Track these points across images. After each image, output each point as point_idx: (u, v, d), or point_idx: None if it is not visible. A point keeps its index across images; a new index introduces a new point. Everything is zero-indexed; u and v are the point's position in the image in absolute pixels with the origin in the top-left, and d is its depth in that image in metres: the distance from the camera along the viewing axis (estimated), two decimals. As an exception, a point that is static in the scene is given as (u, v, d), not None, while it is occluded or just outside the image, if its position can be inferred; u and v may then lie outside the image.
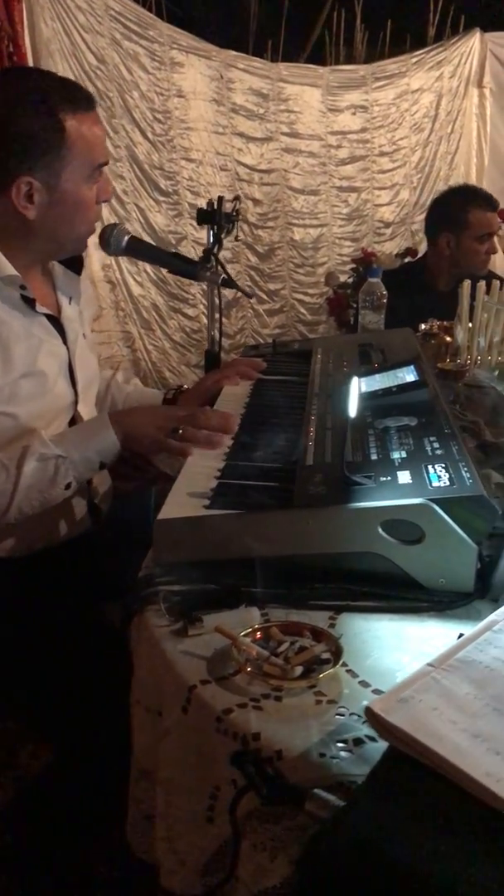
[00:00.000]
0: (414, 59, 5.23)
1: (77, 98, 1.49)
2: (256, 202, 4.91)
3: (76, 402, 1.65)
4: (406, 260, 3.68)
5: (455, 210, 3.01)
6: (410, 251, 3.78)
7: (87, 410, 1.68)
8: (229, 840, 0.88)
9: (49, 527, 1.57)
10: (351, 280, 3.66)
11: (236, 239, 2.34)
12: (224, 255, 4.72)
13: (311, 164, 5.07)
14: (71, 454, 1.44)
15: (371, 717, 0.73)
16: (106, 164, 1.56)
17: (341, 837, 0.63)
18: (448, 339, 2.11)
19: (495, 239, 3.06)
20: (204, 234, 2.17)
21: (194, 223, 4.26)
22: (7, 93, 1.48)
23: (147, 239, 4.38)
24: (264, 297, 5.03)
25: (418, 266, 3.28)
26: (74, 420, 1.64)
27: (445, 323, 2.18)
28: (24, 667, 1.51)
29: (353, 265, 3.71)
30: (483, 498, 1.06)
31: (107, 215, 4.14)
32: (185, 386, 1.86)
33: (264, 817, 0.84)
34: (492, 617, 0.88)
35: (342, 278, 3.80)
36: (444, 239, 3.02)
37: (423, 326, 2.19)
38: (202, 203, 2.23)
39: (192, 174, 4.57)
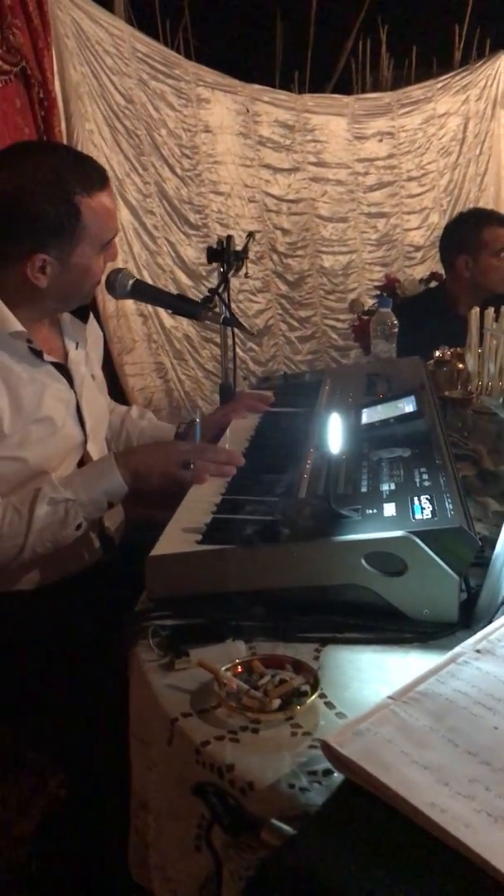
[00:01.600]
0: (440, 84, 5.27)
1: (91, 177, 1.55)
2: (285, 232, 4.97)
3: (85, 443, 1.70)
4: (431, 284, 3.70)
5: (468, 232, 3.05)
6: (435, 276, 3.80)
7: (96, 449, 1.74)
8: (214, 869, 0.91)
9: (62, 559, 1.62)
10: (376, 306, 3.69)
11: (246, 275, 2.37)
12: (254, 284, 4.83)
13: (339, 191, 5.13)
14: (80, 496, 1.49)
15: (326, 749, 0.76)
16: (116, 235, 1.63)
17: (285, 865, 0.65)
18: (460, 365, 2.13)
19: None
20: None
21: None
22: (23, 174, 1.52)
23: (179, 272, 4.48)
24: (295, 324, 5.07)
25: (439, 292, 3.30)
26: (83, 460, 1.70)
27: (458, 350, 2.20)
28: (39, 697, 1.56)
29: (378, 292, 3.73)
30: (462, 530, 1.08)
31: (138, 250, 4.25)
32: (197, 420, 1.91)
33: (241, 846, 0.87)
34: (457, 649, 0.89)
35: (368, 304, 3.83)
36: (462, 261, 3.05)
37: (436, 353, 2.21)
38: (232, 234, 2.28)
39: (220, 207, 4.65)
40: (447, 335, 2.40)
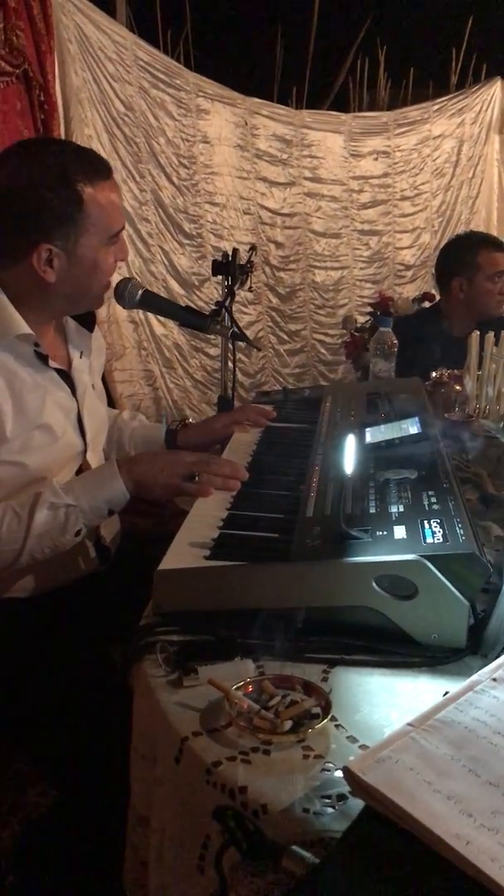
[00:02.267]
0: (436, 107, 5.33)
1: (94, 168, 1.54)
2: (278, 245, 4.99)
3: (85, 451, 1.69)
4: (424, 304, 3.72)
5: (463, 254, 3.07)
6: (428, 296, 3.82)
7: (95, 458, 1.73)
8: (218, 891, 0.90)
9: (57, 568, 1.60)
10: (368, 323, 3.71)
11: (249, 289, 2.38)
12: (246, 296, 4.84)
13: (333, 208, 5.16)
14: (80, 503, 1.47)
15: (348, 775, 0.75)
16: (122, 229, 1.61)
17: (311, 894, 0.65)
18: (458, 388, 2.13)
19: None
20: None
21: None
22: (27, 168, 1.52)
23: (171, 281, 4.47)
24: (285, 337, 5.09)
25: (433, 313, 3.32)
26: (82, 468, 1.69)
27: (455, 372, 2.21)
28: (31, 706, 1.54)
29: (371, 309, 3.75)
30: (474, 556, 1.08)
31: (132, 257, 4.23)
32: (190, 420, 1.90)
33: (250, 870, 0.86)
34: (474, 677, 0.89)
35: (360, 321, 3.85)
36: (457, 283, 3.07)
37: (433, 375, 2.22)
38: (225, 245, 2.28)
39: (215, 218, 4.66)
40: (440, 356, 2.42)
